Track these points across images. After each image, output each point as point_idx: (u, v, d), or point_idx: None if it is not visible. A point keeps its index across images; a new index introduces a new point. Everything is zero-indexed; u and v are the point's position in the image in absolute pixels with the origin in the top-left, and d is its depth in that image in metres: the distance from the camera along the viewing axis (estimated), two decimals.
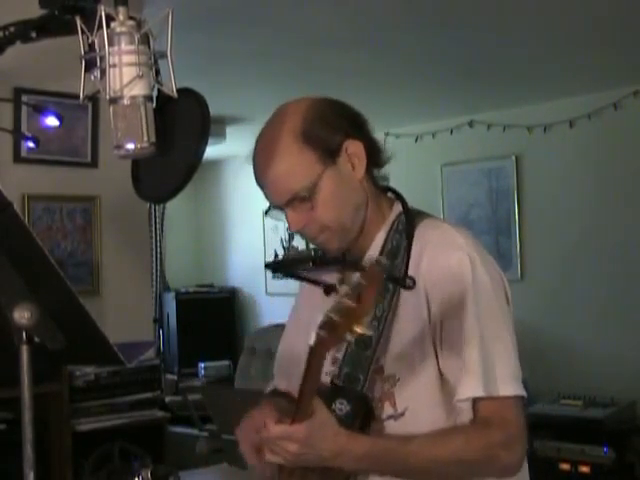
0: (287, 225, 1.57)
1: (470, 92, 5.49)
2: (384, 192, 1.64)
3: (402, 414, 1.52)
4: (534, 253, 5.84)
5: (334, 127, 1.54)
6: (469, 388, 1.47)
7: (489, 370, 1.47)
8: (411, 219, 1.56)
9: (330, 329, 1.25)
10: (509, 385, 1.48)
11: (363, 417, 1.51)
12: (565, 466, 4.81)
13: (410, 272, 1.50)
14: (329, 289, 1.62)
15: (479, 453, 1.46)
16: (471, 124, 6.09)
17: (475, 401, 1.47)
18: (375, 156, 1.60)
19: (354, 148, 1.55)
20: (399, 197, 1.62)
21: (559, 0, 3.73)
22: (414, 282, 1.49)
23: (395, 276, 1.51)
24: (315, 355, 1.29)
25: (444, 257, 1.50)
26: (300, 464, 1.42)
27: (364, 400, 1.52)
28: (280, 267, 1.64)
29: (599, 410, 4.92)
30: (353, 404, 1.50)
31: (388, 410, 1.53)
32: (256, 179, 1.58)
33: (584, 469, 4.75)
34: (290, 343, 1.75)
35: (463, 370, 1.47)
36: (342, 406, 1.50)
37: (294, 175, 1.51)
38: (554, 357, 5.65)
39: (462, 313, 1.47)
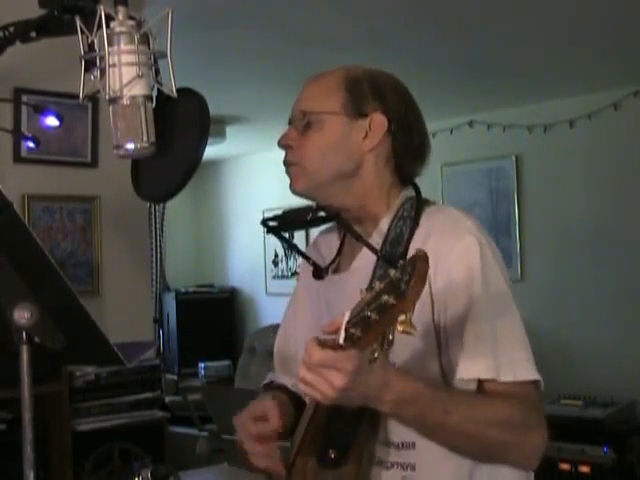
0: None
1: (470, 92, 5.48)
2: (404, 184, 1.59)
3: None
4: (534, 253, 5.83)
5: (377, 96, 1.54)
6: (476, 369, 1.39)
7: (503, 351, 1.40)
8: (420, 205, 1.53)
9: (365, 328, 1.15)
10: (526, 370, 1.43)
11: None
12: (565, 466, 4.80)
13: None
14: (319, 272, 1.60)
15: (518, 420, 1.39)
16: (471, 124, 6.09)
17: (489, 384, 1.40)
18: (408, 149, 1.58)
19: (377, 122, 1.53)
20: (415, 187, 1.59)
21: (559, 0, 3.73)
22: None
23: (390, 257, 1.45)
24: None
25: (452, 241, 1.43)
26: (340, 402, 1.25)
27: None
28: (282, 223, 1.59)
29: (599, 410, 4.91)
30: None
31: None
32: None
33: (584, 469, 4.74)
34: (287, 336, 1.73)
35: (467, 349, 1.39)
36: None
37: (314, 98, 1.55)
38: (554, 357, 5.64)
39: (470, 298, 1.39)
